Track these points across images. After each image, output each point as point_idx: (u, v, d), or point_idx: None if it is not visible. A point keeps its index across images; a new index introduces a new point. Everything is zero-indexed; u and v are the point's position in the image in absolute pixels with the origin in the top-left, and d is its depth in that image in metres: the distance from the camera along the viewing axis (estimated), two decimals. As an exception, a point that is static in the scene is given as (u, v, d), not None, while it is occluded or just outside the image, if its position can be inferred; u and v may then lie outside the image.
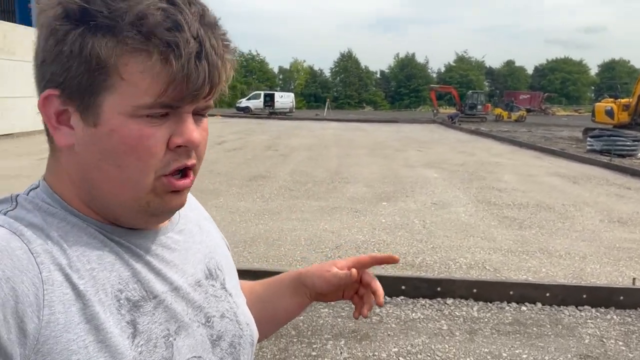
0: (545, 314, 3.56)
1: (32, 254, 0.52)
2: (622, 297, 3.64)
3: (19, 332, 0.49)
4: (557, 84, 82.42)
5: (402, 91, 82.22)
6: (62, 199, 0.59)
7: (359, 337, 3.18)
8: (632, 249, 5.23)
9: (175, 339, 0.60)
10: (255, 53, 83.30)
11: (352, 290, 0.82)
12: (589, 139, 15.16)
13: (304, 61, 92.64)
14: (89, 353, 0.52)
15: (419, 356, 2.97)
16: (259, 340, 0.76)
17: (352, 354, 2.97)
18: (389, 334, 3.22)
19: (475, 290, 3.69)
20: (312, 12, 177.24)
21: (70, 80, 0.54)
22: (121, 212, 0.59)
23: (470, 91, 35.79)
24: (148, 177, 0.56)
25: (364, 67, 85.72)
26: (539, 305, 3.66)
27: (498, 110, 34.57)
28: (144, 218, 0.60)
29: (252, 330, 0.72)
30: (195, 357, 0.61)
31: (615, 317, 3.54)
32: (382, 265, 4.31)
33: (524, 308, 3.63)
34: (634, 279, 3.89)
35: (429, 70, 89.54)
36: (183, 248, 0.66)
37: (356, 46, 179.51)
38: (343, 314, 3.49)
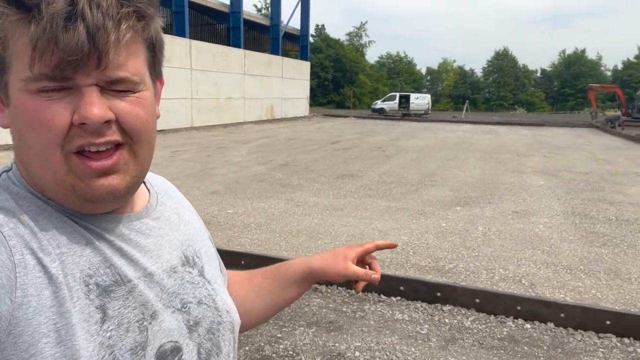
0: (550, 336, 3.18)
1: (4, 237, 0.52)
2: (658, 331, 3.05)
3: None
4: None
5: (567, 92, 73.98)
6: (26, 182, 0.59)
7: (331, 328, 3.28)
8: None
9: (150, 323, 0.59)
10: (402, 54, 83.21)
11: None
12: None
13: (454, 61, 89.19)
14: (61, 336, 0.51)
15: (376, 353, 2.96)
16: (260, 323, 0.85)
17: (314, 341, 3.10)
18: (362, 330, 3.25)
19: (477, 301, 3.46)
20: (467, 10, 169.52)
21: None
22: (56, 196, 0.57)
23: (641, 91, 30.59)
24: (54, 153, 0.54)
25: (521, 65, 79.35)
26: (550, 325, 3.28)
27: (679, 113, 28.93)
28: (77, 202, 0.57)
29: (232, 317, 0.71)
30: (171, 341, 0.61)
31: (639, 350, 3.01)
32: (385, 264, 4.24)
33: (527, 326, 3.29)
34: (680, 311, 3.20)
35: (602, 68, 79.01)
36: (158, 234, 0.66)
37: (515, 44, 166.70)
38: (331, 305, 3.60)
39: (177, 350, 0.61)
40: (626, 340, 3.10)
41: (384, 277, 3.77)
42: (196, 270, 0.69)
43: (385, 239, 5.26)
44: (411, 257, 4.69)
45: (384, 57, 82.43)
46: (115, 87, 0.54)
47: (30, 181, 0.58)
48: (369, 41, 78.97)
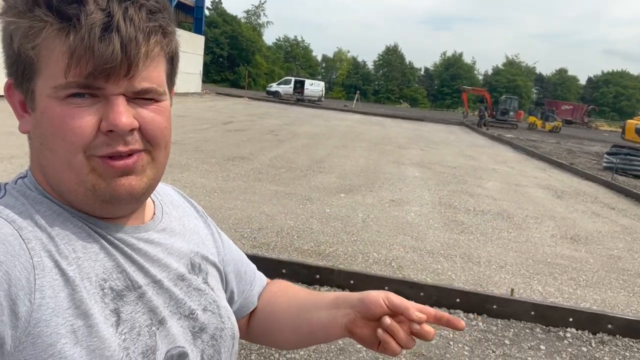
0: (410, 312, 3.61)
1: (23, 240, 0.53)
2: (495, 306, 3.63)
3: (12, 314, 0.50)
4: (609, 97, 78.68)
5: (445, 91, 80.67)
6: (42, 187, 0.60)
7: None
8: (561, 265, 5.13)
9: (158, 329, 0.62)
10: (300, 39, 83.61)
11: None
12: (605, 155, 14.56)
13: (348, 51, 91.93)
14: (77, 337, 0.53)
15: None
16: (288, 348, 0.77)
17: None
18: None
19: (352, 282, 3.78)
20: (363, 2, 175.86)
21: (11, 68, 0.57)
22: (74, 199, 0.59)
23: (504, 96, 34.74)
24: (76, 155, 0.56)
25: (408, 62, 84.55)
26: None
27: (532, 119, 33.42)
28: (97, 204, 0.59)
29: (232, 323, 0.74)
30: (178, 347, 0.64)
31: (480, 324, 3.55)
32: (265, 245, 4.40)
33: (393, 304, 3.69)
34: (512, 289, 3.86)
35: (476, 72, 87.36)
36: (165, 244, 0.69)
37: (404, 41, 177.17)
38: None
39: (183, 355, 0.64)
40: (471, 315, 3.64)
41: (267, 260, 3.95)
42: (201, 278, 0.72)
43: (272, 223, 5.44)
44: (295, 241, 4.91)
45: (281, 39, 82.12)
46: (140, 97, 0.57)
47: (46, 186, 0.60)
48: (267, 22, 78.29)
